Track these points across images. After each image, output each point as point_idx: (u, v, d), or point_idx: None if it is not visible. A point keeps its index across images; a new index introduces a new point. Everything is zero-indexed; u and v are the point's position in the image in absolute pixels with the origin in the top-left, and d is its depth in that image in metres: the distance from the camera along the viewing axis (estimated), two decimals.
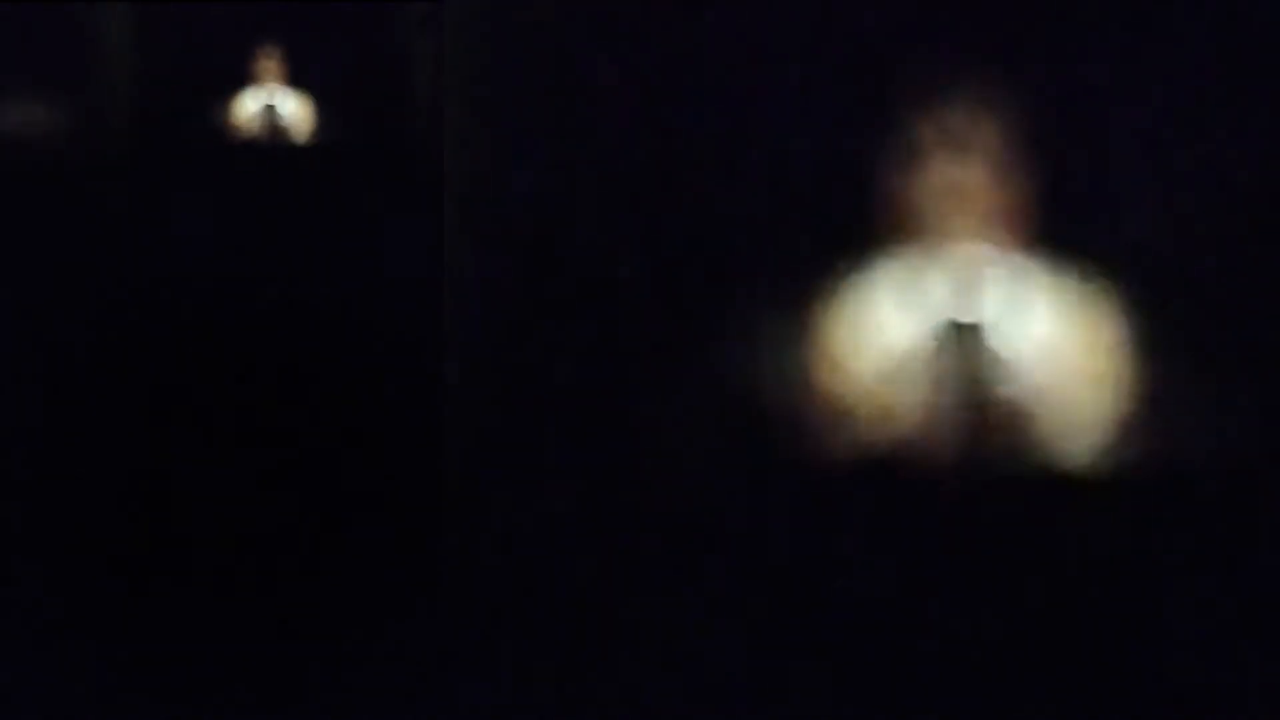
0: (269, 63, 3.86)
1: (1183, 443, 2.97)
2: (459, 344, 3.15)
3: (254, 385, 3.53)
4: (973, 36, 2.99)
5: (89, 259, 3.60)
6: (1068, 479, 2.97)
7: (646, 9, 3.07)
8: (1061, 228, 2.98)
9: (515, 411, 3.11)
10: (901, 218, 2.99)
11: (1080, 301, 2.98)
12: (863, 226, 2.99)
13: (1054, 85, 2.99)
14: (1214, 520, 2.96)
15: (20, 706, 3.32)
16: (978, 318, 2.98)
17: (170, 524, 3.48)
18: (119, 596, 3.43)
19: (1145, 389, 2.97)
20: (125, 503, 3.48)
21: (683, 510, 3.05)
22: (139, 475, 3.50)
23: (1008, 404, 2.97)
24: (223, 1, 3.77)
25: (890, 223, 2.99)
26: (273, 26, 3.83)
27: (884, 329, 2.99)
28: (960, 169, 2.97)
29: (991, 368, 2.97)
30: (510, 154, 3.11)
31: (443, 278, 3.16)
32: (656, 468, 3.05)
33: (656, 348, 3.06)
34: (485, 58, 3.13)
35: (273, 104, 3.86)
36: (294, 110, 3.87)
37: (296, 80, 3.86)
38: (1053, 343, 2.98)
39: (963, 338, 2.98)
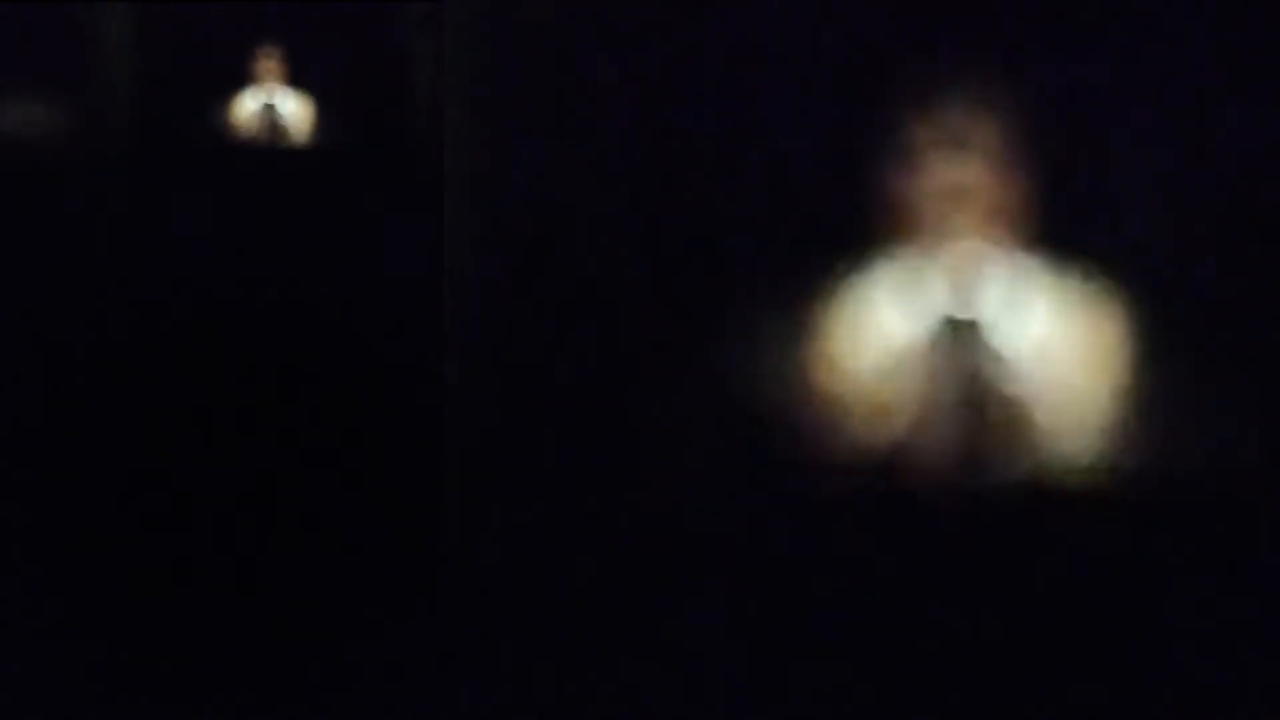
0: (269, 63, 3.86)
1: (1182, 441, 2.97)
2: (459, 344, 3.15)
3: (254, 385, 3.53)
4: (972, 36, 2.99)
5: (89, 259, 3.60)
6: (1067, 477, 2.97)
7: (646, 9, 3.07)
8: (1061, 226, 2.98)
9: (515, 411, 3.11)
10: (901, 217, 2.99)
11: (1079, 300, 2.98)
12: (862, 226, 2.99)
13: (1053, 85, 2.99)
14: (1214, 519, 2.96)
15: (20, 706, 3.32)
16: (977, 316, 2.98)
17: (170, 524, 3.48)
18: (119, 596, 3.43)
19: (1144, 387, 2.97)
20: (125, 502, 3.48)
21: (683, 510, 3.05)
22: (139, 475, 3.50)
23: (1007, 402, 2.97)
24: (223, 1, 3.77)
25: (890, 222, 2.99)
26: (273, 26, 3.84)
27: (883, 328, 2.99)
28: (959, 168, 2.97)
29: (991, 366, 2.97)
30: (510, 154, 3.11)
31: (443, 278, 3.16)
32: (656, 468, 3.05)
33: (656, 348, 3.06)
34: (485, 58, 3.13)
35: (273, 104, 3.86)
36: (294, 110, 3.87)
37: (296, 80, 3.86)
38: (1052, 341, 2.98)
39: (962, 337, 2.98)
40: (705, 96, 3.06)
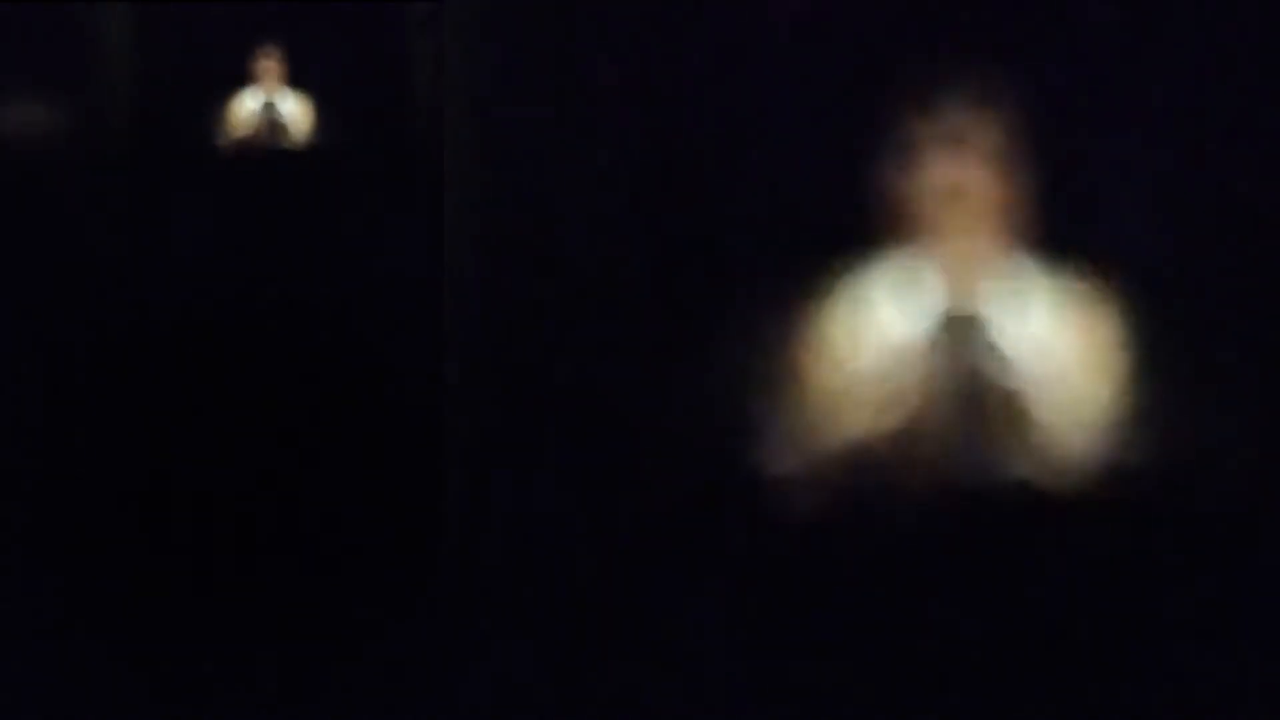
0: (269, 63, 3.86)
1: (1180, 440, 2.97)
2: (459, 344, 3.15)
3: (254, 385, 3.53)
4: (971, 36, 2.99)
5: (89, 259, 3.60)
6: (1066, 475, 2.97)
7: (646, 9, 3.07)
8: (1059, 225, 2.98)
9: (515, 411, 3.11)
10: (900, 215, 2.99)
11: (1078, 298, 2.98)
12: (862, 225, 2.99)
13: (1053, 84, 2.99)
14: (1214, 519, 2.96)
15: (20, 706, 3.32)
16: (977, 315, 2.98)
17: (170, 524, 3.48)
18: (119, 596, 3.43)
19: (1143, 385, 2.97)
20: (125, 502, 3.49)
21: (683, 510, 3.05)
22: (139, 475, 3.50)
23: (1007, 400, 2.97)
24: (223, 1, 3.77)
25: (889, 220, 2.99)
26: (273, 26, 3.84)
27: (883, 326, 2.99)
28: (959, 167, 2.97)
29: (990, 364, 2.97)
30: (510, 154, 3.11)
31: (443, 278, 3.16)
32: (656, 468, 3.05)
33: (656, 348, 3.06)
34: (485, 58, 3.13)
35: (273, 104, 3.87)
36: (294, 110, 3.87)
37: (296, 80, 3.87)
38: (1051, 339, 2.98)
39: (962, 335, 2.98)
40: (705, 96, 3.06)
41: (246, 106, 3.86)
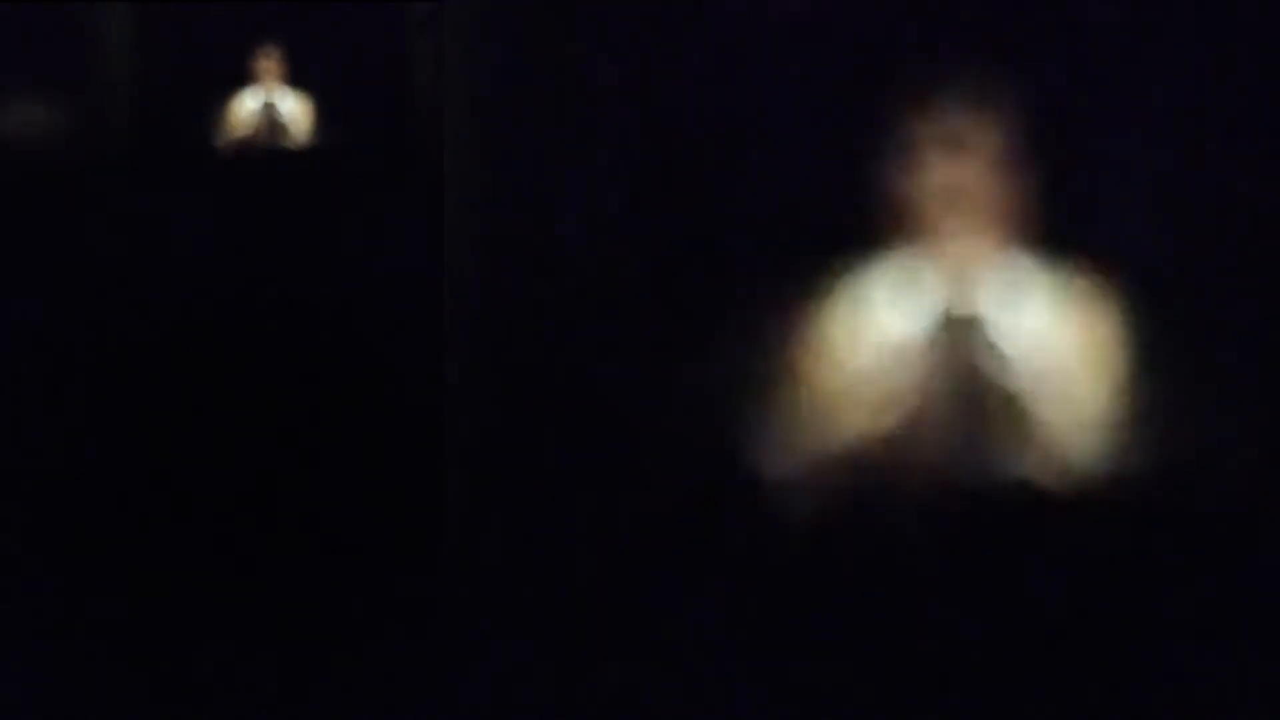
0: (269, 63, 3.86)
1: (1180, 440, 2.97)
2: (459, 344, 3.15)
3: (254, 385, 3.53)
4: (971, 37, 2.99)
5: (89, 259, 3.60)
6: (1065, 475, 2.97)
7: (646, 9, 3.07)
8: (1059, 225, 2.98)
9: (515, 411, 3.11)
10: (900, 215, 2.99)
11: (1077, 298, 2.98)
12: (862, 225, 2.99)
13: (1052, 84, 2.99)
14: (1213, 519, 2.96)
15: (20, 706, 3.32)
16: (976, 314, 2.98)
17: (170, 524, 3.48)
18: (120, 596, 3.43)
19: (1142, 385, 2.97)
20: (126, 502, 3.49)
21: (683, 510, 3.05)
22: (139, 475, 3.50)
23: (1006, 400, 2.97)
24: (223, 1, 3.77)
25: (889, 221, 2.99)
26: (273, 26, 3.84)
27: (883, 326, 2.99)
28: (959, 167, 2.97)
29: (990, 364, 2.97)
30: (510, 154, 3.11)
31: (443, 278, 3.16)
32: (656, 468, 3.05)
33: (656, 348, 3.06)
34: (485, 58, 3.13)
35: (273, 104, 3.87)
36: (294, 110, 3.87)
37: (296, 80, 3.87)
38: (1051, 339, 2.98)
39: (961, 335, 2.98)
40: (705, 96, 3.06)
41: (246, 106, 3.86)
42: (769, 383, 3.02)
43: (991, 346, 2.97)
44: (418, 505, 3.39)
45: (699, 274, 3.06)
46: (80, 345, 3.54)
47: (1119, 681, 2.97)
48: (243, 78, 3.85)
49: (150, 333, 3.56)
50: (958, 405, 2.97)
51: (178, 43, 3.77)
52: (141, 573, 3.45)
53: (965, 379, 2.97)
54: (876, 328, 3.00)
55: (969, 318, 2.98)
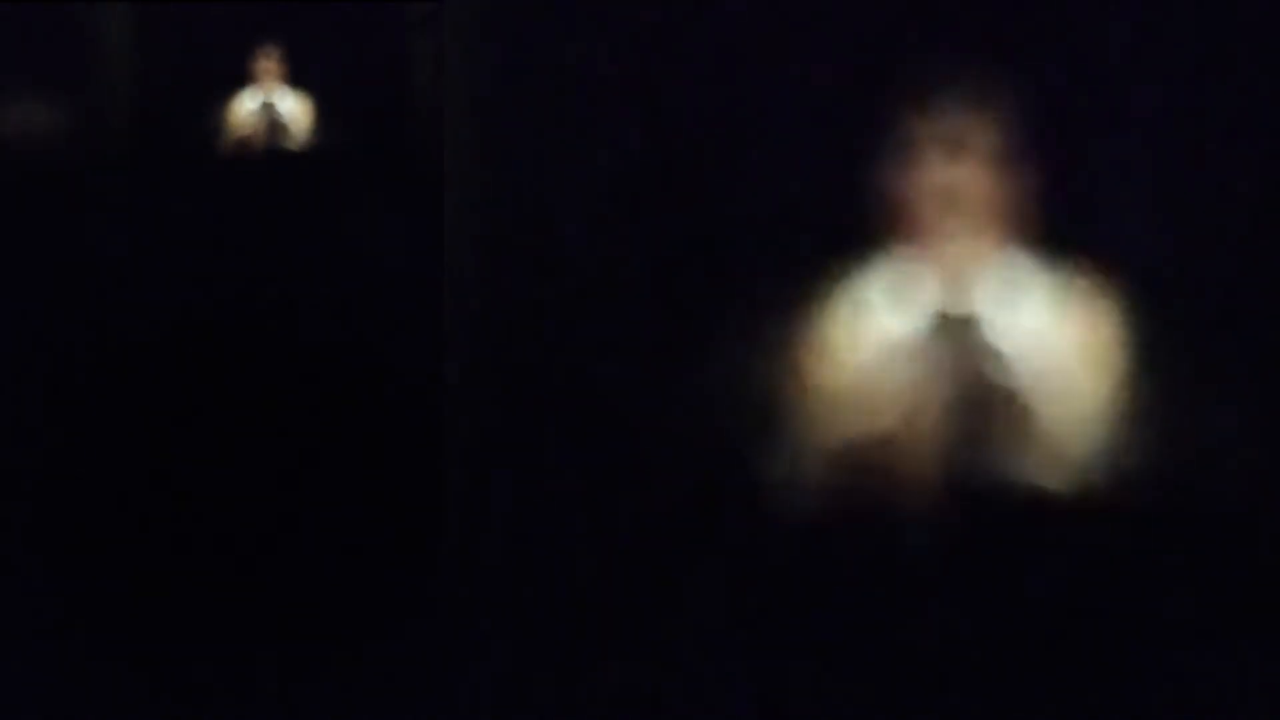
0: (269, 63, 3.86)
1: (1180, 440, 2.97)
2: (459, 344, 3.15)
3: (254, 385, 3.53)
4: (970, 37, 2.99)
5: (89, 259, 3.60)
6: (1064, 475, 2.97)
7: (646, 9, 3.07)
8: (1058, 225, 2.98)
9: (515, 411, 3.11)
10: (900, 215, 2.99)
11: (1076, 298, 2.98)
12: (861, 225, 2.99)
13: (1051, 84, 2.99)
14: (1214, 519, 2.96)
15: (20, 706, 3.32)
16: (976, 315, 2.98)
17: (170, 523, 3.48)
18: (119, 596, 3.43)
19: (1142, 384, 2.97)
20: (125, 502, 3.48)
21: (683, 510, 3.05)
22: (139, 475, 3.50)
23: (1005, 400, 2.97)
24: (223, 1, 3.77)
25: (889, 220, 2.99)
26: (273, 26, 3.84)
27: (883, 327, 2.99)
28: (958, 167, 2.97)
29: (989, 364, 2.97)
30: (510, 154, 3.11)
31: (443, 278, 3.16)
32: (656, 468, 3.06)
33: (656, 348, 3.06)
34: (485, 58, 3.13)
35: (272, 104, 3.87)
36: (294, 110, 3.87)
37: (296, 80, 3.87)
38: (1049, 339, 2.98)
39: (961, 335, 2.98)
40: (705, 96, 3.06)
41: (246, 106, 3.86)
42: (768, 383, 3.02)
43: (991, 346, 2.97)
44: (418, 505, 3.38)
45: (698, 274, 3.06)
46: (80, 345, 3.54)
47: (1119, 681, 2.97)
48: (243, 78, 3.85)
49: (150, 332, 3.56)
50: (957, 405, 2.97)
51: (178, 43, 3.77)
52: (141, 573, 3.45)
53: (965, 379, 2.97)
54: (876, 328, 3.00)
55: (968, 317, 2.98)
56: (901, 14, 3.00)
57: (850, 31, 3.02)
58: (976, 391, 2.97)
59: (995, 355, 2.97)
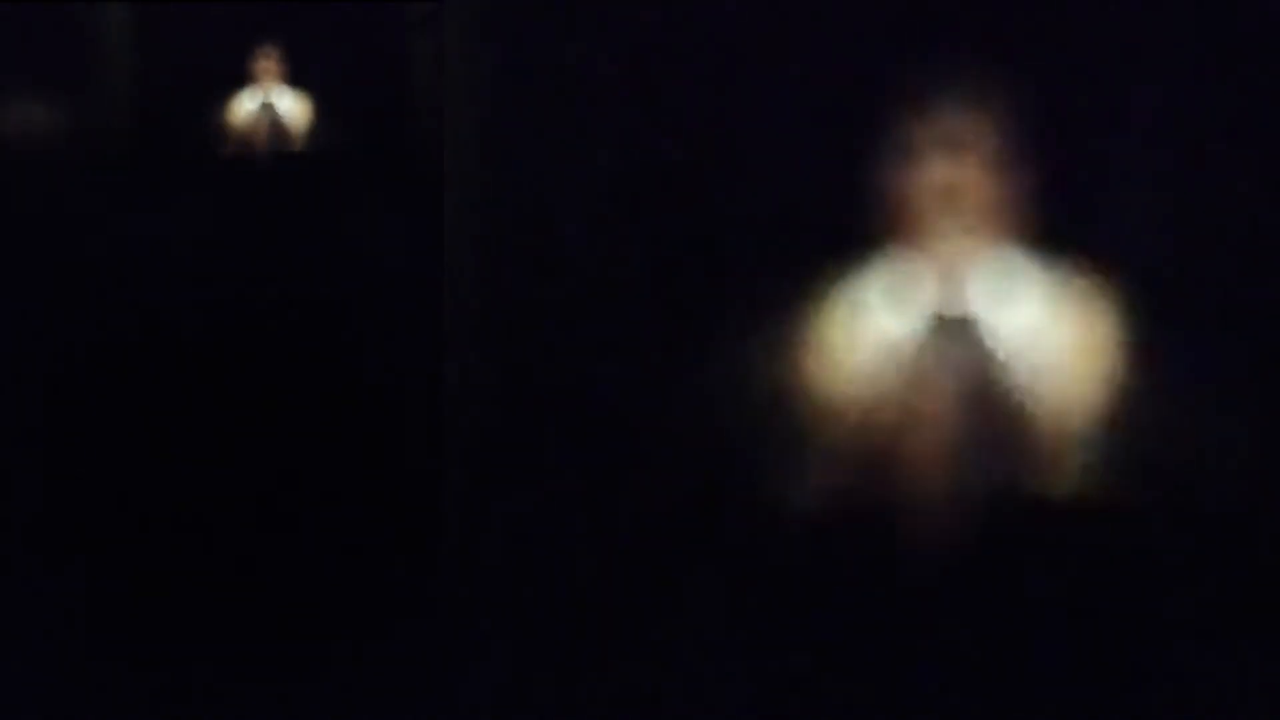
0: (269, 63, 3.86)
1: (1180, 440, 2.97)
2: (459, 344, 3.15)
3: (254, 385, 3.53)
4: (970, 37, 2.99)
5: (89, 259, 3.60)
6: (1064, 475, 2.97)
7: (646, 9, 3.07)
8: (1056, 225, 2.98)
9: (515, 411, 3.11)
10: (899, 216, 2.99)
11: (1075, 298, 2.98)
12: (860, 226, 2.99)
13: (1051, 84, 2.99)
14: (1214, 519, 2.96)
15: (20, 706, 3.32)
16: (974, 315, 2.98)
17: (170, 523, 3.48)
18: (119, 596, 3.43)
19: (1142, 384, 2.97)
20: (126, 502, 3.49)
21: (683, 510, 3.05)
22: (139, 475, 3.50)
23: (1003, 400, 2.97)
24: (223, 1, 3.77)
25: (888, 221, 2.99)
26: (273, 26, 3.84)
27: (881, 328, 2.99)
28: (957, 168, 2.97)
29: (987, 364, 2.97)
30: (510, 154, 3.11)
31: (443, 278, 3.16)
32: (656, 468, 3.06)
33: (656, 348, 3.06)
34: (485, 58, 3.13)
35: (272, 104, 3.87)
36: (294, 110, 3.87)
37: (296, 80, 3.87)
38: (1048, 339, 2.98)
39: (959, 335, 2.98)
40: (705, 96, 3.06)
41: (246, 106, 3.86)
42: (768, 383, 3.02)
43: (990, 347, 2.97)
44: (418, 505, 3.39)
45: (698, 274, 3.06)
46: (80, 345, 3.54)
47: (1119, 681, 2.97)
48: (243, 78, 3.85)
49: (150, 333, 3.56)
50: (956, 405, 2.97)
51: (178, 43, 3.77)
52: (141, 573, 3.45)
53: (964, 379, 2.97)
54: (875, 327, 3.00)
55: (968, 317, 2.98)
56: (901, 15, 3.00)
57: (850, 32, 3.02)
58: (976, 391, 2.97)
59: (994, 356, 2.97)
